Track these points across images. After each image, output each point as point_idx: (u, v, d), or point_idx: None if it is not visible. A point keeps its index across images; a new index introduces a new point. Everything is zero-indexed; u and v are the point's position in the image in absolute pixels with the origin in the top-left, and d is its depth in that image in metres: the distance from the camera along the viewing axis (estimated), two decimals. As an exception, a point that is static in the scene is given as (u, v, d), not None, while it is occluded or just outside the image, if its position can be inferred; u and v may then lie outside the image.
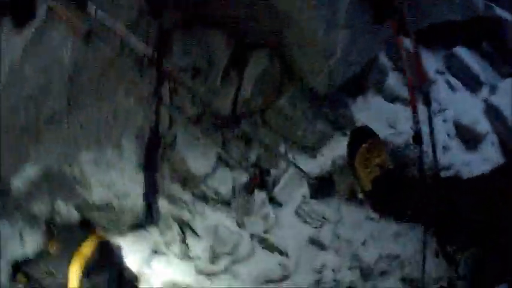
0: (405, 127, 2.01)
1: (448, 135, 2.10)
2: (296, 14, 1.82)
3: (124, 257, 1.90)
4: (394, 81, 2.12)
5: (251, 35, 2.04)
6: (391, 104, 2.10)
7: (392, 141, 1.98)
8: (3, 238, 1.83)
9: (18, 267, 1.83)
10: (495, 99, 2.18)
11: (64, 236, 1.87)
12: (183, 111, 2.00)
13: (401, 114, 2.06)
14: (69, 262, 1.80)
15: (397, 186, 1.80)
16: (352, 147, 1.87)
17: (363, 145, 1.83)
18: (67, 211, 1.88)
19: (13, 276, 1.81)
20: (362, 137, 1.86)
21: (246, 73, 2.03)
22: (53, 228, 1.89)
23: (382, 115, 2.06)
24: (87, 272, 1.81)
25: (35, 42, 1.95)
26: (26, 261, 1.84)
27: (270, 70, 2.02)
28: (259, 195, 1.95)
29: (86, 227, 1.90)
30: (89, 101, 1.96)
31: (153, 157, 1.97)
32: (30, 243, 1.86)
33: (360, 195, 1.94)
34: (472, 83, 2.24)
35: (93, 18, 1.92)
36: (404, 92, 2.10)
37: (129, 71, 1.97)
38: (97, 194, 1.86)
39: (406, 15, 1.78)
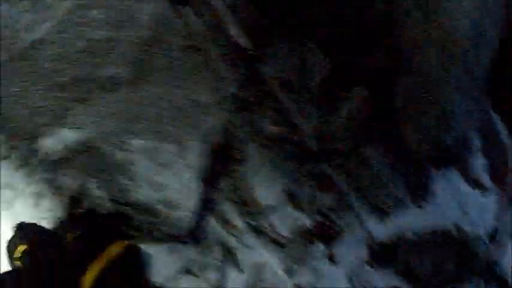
0: (478, 217, 1.91)
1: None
2: (423, 59, 1.64)
3: (150, 266, 1.62)
4: (479, 165, 1.99)
5: (355, 66, 1.81)
6: (470, 188, 1.97)
7: (461, 227, 1.85)
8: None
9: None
10: None
11: (90, 227, 1.55)
12: (263, 127, 1.73)
13: (477, 201, 1.94)
14: (89, 260, 1.49)
15: None
16: None
17: None
18: (98, 197, 1.57)
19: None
20: None
21: (340, 107, 1.79)
22: (76, 212, 1.57)
23: (457, 195, 1.93)
24: (104, 275, 1.51)
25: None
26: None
27: (365, 112, 1.80)
28: (317, 247, 1.75)
29: (116, 222, 1.59)
30: (158, 78, 1.61)
31: (216, 169, 1.68)
32: (44, 212, 1.54)
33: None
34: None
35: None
36: (485, 179, 1.98)
37: (215, 60, 1.65)
38: (142, 193, 1.56)
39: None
